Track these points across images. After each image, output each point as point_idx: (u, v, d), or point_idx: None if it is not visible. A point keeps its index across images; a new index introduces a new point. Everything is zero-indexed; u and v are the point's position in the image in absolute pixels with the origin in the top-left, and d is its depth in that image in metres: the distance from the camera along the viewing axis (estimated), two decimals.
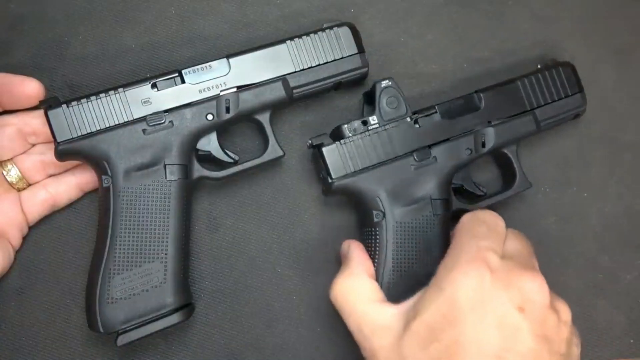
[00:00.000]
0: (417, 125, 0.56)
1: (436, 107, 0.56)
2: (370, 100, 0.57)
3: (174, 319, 0.53)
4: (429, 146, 0.55)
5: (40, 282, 0.57)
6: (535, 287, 0.44)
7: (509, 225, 0.51)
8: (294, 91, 0.56)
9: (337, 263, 0.56)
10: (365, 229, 0.55)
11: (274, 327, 0.58)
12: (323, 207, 0.60)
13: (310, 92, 0.57)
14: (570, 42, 0.63)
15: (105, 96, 0.53)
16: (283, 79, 0.56)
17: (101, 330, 0.52)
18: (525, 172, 0.59)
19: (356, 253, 0.53)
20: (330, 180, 0.54)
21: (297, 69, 0.56)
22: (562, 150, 0.62)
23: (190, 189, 0.56)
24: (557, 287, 0.59)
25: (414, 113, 0.56)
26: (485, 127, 0.56)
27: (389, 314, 0.48)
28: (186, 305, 0.54)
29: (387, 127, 0.55)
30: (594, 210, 0.62)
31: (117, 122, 0.54)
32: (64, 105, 0.53)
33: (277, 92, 0.56)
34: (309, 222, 0.60)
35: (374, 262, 0.54)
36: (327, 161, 0.54)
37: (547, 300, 0.45)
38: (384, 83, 0.56)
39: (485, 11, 0.63)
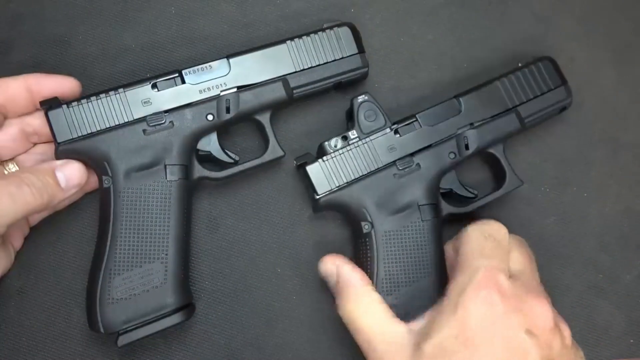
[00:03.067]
0: (397, 135, 0.56)
1: (416, 115, 0.56)
2: (350, 116, 0.57)
3: (175, 319, 0.53)
4: (412, 154, 0.56)
5: (40, 282, 0.57)
6: (541, 311, 0.46)
7: (509, 225, 0.52)
8: (294, 91, 0.56)
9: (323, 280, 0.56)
10: (359, 241, 0.56)
11: (273, 327, 0.58)
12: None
13: (310, 92, 0.57)
14: (571, 42, 0.63)
15: (106, 96, 0.53)
16: (283, 79, 0.56)
17: (102, 330, 0.52)
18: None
19: (352, 270, 0.53)
20: (316, 197, 0.55)
21: (298, 69, 0.56)
22: (562, 149, 0.62)
23: (190, 189, 0.56)
24: (557, 287, 0.60)
25: (395, 123, 0.56)
26: (467, 130, 0.56)
27: (400, 333, 0.49)
28: (187, 306, 0.54)
29: (367, 140, 0.56)
30: (594, 210, 0.62)
31: (117, 123, 0.53)
32: (64, 106, 0.53)
33: (277, 92, 0.56)
34: (309, 222, 0.60)
35: (367, 272, 0.54)
36: (312, 179, 0.55)
37: (552, 324, 0.46)
38: (361, 98, 0.56)
39: (485, 11, 0.63)
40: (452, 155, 0.56)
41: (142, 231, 0.53)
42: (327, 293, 0.58)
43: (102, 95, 0.53)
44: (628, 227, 0.61)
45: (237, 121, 0.56)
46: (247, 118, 0.57)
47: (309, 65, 0.56)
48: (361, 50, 0.57)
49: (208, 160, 0.57)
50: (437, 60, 0.62)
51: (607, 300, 0.60)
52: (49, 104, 0.53)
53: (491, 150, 0.58)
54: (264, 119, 0.57)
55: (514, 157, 0.61)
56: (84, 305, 0.53)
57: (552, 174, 0.62)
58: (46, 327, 0.57)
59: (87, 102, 0.53)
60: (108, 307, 0.52)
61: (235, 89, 0.55)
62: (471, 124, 0.57)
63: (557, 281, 0.60)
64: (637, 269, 0.61)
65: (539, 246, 0.60)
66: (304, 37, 0.56)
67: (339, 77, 0.57)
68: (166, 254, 0.53)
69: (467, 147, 0.56)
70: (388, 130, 0.56)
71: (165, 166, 0.54)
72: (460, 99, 0.57)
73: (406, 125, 0.56)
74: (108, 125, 0.53)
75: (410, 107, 0.57)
